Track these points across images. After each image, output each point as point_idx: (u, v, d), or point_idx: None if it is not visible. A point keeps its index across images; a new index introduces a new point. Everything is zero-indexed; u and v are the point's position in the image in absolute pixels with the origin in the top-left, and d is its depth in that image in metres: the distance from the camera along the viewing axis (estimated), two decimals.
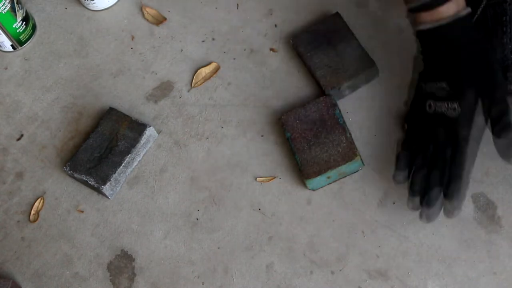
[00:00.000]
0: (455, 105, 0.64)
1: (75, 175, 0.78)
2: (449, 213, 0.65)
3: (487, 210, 0.72)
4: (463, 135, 0.63)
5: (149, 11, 0.94)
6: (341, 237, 0.73)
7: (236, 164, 0.80)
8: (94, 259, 0.76)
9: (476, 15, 0.72)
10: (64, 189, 0.81)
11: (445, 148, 0.65)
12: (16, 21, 0.89)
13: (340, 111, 0.77)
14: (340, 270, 0.71)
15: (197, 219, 0.77)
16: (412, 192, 0.67)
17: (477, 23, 0.72)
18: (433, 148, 0.66)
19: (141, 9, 0.94)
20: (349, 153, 0.74)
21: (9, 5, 0.87)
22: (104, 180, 0.77)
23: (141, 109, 0.85)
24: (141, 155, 0.82)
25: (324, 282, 0.71)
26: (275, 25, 0.89)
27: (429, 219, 0.66)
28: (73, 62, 0.91)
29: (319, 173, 0.73)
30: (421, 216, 0.66)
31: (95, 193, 0.80)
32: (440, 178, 0.65)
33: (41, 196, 0.81)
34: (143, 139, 0.80)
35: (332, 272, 0.71)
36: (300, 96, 0.82)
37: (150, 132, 0.81)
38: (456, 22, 0.64)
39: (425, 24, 0.66)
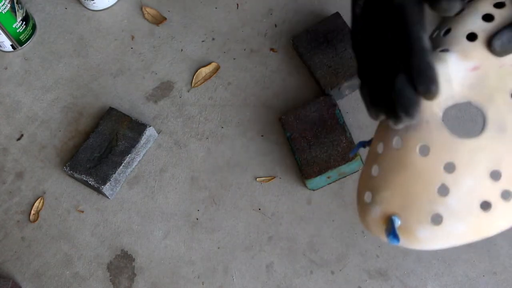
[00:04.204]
0: None
1: (75, 175, 0.78)
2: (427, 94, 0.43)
3: None
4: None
5: (149, 11, 0.94)
6: (341, 237, 0.73)
7: (236, 164, 0.80)
8: (94, 259, 0.76)
9: None
10: (64, 189, 0.81)
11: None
12: (16, 21, 0.89)
13: (340, 111, 0.77)
14: (340, 270, 0.71)
15: (197, 219, 0.77)
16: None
17: None
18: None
19: (141, 9, 0.94)
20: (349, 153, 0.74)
21: (9, 5, 0.87)
22: (104, 180, 0.77)
23: (141, 109, 0.85)
24: (141, 155, 0.82)
25: (324, 282, 0.71)
26: (275, 25, 0.89)
27: (407, 108, 0.43)
28: (73, 62, 0.91)
29: (319, 173, 0.73)
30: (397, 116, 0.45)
31: (95, 193, 0.80)
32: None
33: (41, 196, 0.81)
34: (143, 139, 0.80)
35: (332, 272, 0.71)
36: (300, 96, 0.82)
37: (150, 132, 0.81)
38: None
39: None
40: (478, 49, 0.45)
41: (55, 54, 0.92)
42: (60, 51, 0.93)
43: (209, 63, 0.87)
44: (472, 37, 0.45)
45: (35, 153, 0.85)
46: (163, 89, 0.87)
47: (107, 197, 0.79)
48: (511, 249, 0.70)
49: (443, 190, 0.42)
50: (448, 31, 0.47)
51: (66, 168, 0.79)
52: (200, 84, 0.86)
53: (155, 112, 0.85)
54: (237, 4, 0.92)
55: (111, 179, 0.77)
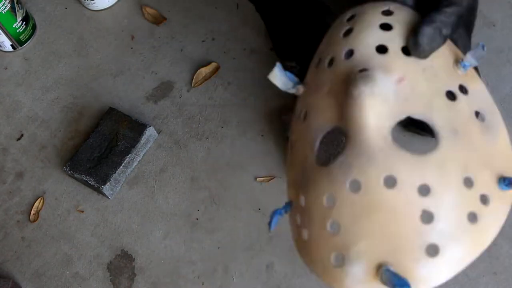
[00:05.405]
0: None
1: (75, 175, 0.78)
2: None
3: None
4: None
5: (149, 11, 0.94)
6: None
7: (236, 164, 0.80)
8: (94, 259, 0.76)
9: None
10: (64, 189, 0.81)
11: None
12: (16, 21, 0.89)
13: None
14: None
15: (197, 219, 0.77)
16: None
17: None
18: None
19: (141, 9, 0.94)
20: None
21: (9, 5, 0.87)
22: (104, 180, 0.77)
23: (141, 109, 0.85)
24: (141, 155, 0.82)
25: None
26: None
27: None
28: (73, 62, 0.91)
29: None
30: None
31: (95, 193, 0.80)
32: None
33: (41, 196, 0.81)
34: (143, 139, 0.80)
35: None
36: None
37: (150, 132, 0.81)
38: None
39: None
40: (395, 59, 0.41)
41: (55, 54, 0.92)
42: (60, 51, 0.93)
43: (209, 63, 0.87)
44: (382, 49, 0.42)
45: (35, 153, 0.85)
46: (163, 89, 0.87)
47: (107, 197, 0.79)
48: (511, 249, 0.70)
49: (427, 217, 0.37)
50: (350, 53, 0.43)
51: (66, 168, 0.79)
52: (200, 84, 0.86)
53: (155, 112, 0.85)
54: (237, 4, 0.92)
55: (111, 179, 0.77)
